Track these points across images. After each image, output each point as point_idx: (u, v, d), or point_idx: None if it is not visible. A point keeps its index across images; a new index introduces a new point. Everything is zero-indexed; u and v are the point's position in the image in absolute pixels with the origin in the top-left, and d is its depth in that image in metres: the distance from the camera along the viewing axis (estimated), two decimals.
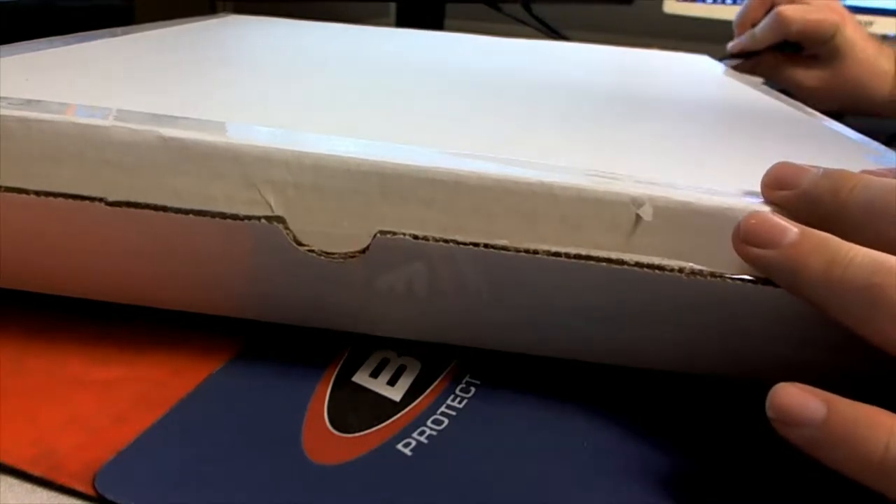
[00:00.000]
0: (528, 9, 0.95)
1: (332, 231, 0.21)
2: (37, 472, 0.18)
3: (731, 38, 0.72)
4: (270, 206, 0.21)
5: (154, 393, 0.21)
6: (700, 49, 0.58)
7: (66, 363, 0.22)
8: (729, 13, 0.94)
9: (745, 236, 0.19)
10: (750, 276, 0.20)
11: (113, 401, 0.20)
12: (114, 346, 0.23)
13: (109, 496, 0.17)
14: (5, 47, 0.32)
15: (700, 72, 0.49)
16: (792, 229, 0.19)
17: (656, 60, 0.52)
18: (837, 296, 0.18)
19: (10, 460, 0.18)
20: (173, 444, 0.19)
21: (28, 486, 0.18)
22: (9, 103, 0.22)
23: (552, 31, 0.94)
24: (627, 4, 1.02)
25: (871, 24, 0.86)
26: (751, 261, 0.19)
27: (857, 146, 0.30)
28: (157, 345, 0.23)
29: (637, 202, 0.20)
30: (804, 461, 0.17)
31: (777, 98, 0.41)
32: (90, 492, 0.17)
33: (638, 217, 0.20)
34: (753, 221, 0.19)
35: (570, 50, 0.55)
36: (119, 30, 0.42)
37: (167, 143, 0.21)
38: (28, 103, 0.22)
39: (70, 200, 0.21)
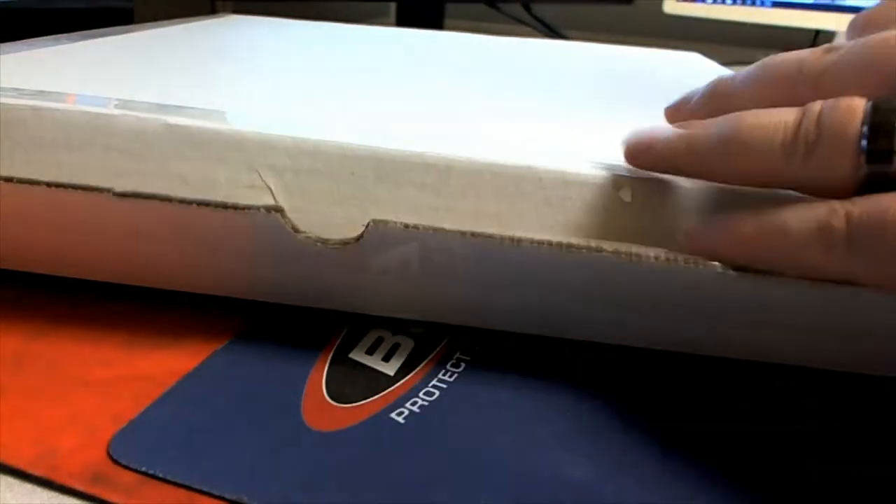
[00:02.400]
0: (528, 9, 0.95)
1: (328, 218, 0.22)
2: (37, 472, 0.18)
3: (729, 37, 0.71)
4: (271, 190, 0.22)
5: (154, 392, 0.21)
6: (700, 49, 0.58)
7: (66, 363, 0.22)
8: (729, 13, 0.94)
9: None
10: (720, 263, 0.21)
11: (113, 401, 0.21)
12: (114, 346, 0.23)
13: (123, 462, 0.18)
14: (7, 45, 0.33)
15: (689, 67, 0.49)
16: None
17: (647, 56, 0.53)
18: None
19: (10, 460, 0.18)
20: (180, 414, 0.20)
21: (28, 486, 0.18)
22: (21, 94, 0.23)
23: (552, 31, 0.95)
24: (627, 4, 1.02)
25: None
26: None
27: None
28: (156, 344, 0.23)
29: (617, 184, 0.22)
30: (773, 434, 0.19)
31: None
32: (90, 491, 0.17)
33: (620, 199, 0.22)
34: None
35: (562, 47, 0.55)
36: (119, 28, 0.42)
37: (172, 130, 0.22)
38: (40, 94, 0.23)
39: (79, 191, 0.22)
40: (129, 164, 0.22)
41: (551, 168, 0.22)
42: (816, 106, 0.18)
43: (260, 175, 0.22)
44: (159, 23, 0.48)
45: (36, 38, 0.35)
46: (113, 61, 0.32)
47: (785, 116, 0.19)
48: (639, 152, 0.22)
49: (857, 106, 0.18)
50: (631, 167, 0.22)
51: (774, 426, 0.22)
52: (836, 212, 0.18)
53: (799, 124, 0.18)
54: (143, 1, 0.60)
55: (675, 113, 0.24)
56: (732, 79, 0.22)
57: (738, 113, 0.20)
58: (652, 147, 0.21)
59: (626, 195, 0.22)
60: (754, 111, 0.19)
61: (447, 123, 0.27)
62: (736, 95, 0.22)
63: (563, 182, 0.22)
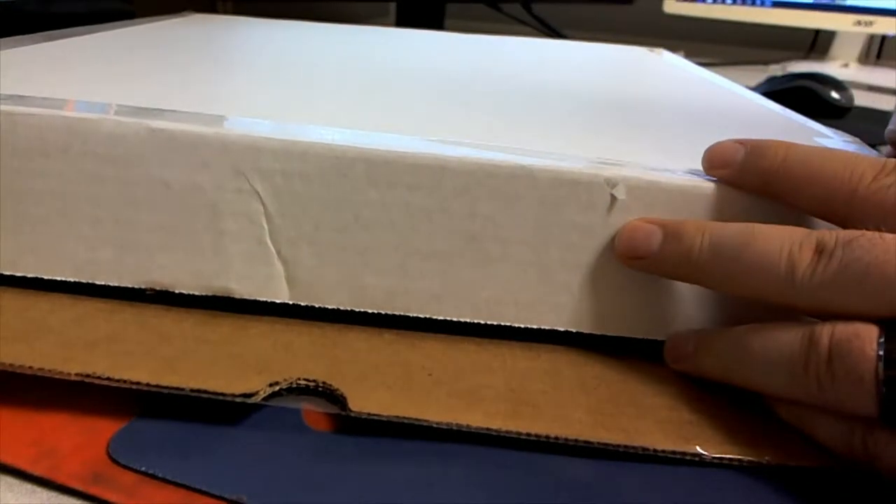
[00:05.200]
0: (528, 9, 0.95)
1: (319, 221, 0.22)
2: (37, 472, 0.18)
3: (729, 37, 0.71)
4: (258, 194, 0.22)
5: (154, 392, 0.21)
6: (700, 49, 0.58)
7: None
8: (729, 13, 0.94)
9: (625, 251, 0.22)
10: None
11: (112, 401, 0.20)
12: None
13: (122, 462, 0.18)
14: None
15: (666, 67, 0.49)
16: (656, 233, 0.21)
17: (640, 56, 0.53)
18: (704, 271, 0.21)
19: (10, 460, 0.18)
20: (179, 414, 0.20)
21: (28, 486, 0.18)
22: None
23: (552, 31, 0.95)
24: (627, 4, 1.02)
25: (871, 23, 0.86)
26: (639, 269, 0.22)
27: (806, 129, 0.32)
28: None
29: (611, 182, 0.22)
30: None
31: (730, 89, 0.42)
32: (90, 491, 0.17)
33: (613, 197, 0.22)
34: (626, 236, 0.22)
35: (559, 47, 0.55)
36: (85, 28, 0.41)
37: (155, 134, 0.22)
38: (12, 98, 0.23)
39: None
40: (108, 170, 0.22)
41: (545, 167, 0.22)
42: (824, 339, 0.18)
43: (247, 179, 0.22)
44: (131, 21, 0.47)
45: (2, 39, 0.34)
46: (82, 63, 0.31)
47: (789, 338, 0.19)
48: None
49: (870, 354, 0.17)
50: (623, 164, 0.22)
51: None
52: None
53: (807, 357, 0.18)
54: (144, 3, 0.60)
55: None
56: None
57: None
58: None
59: (620, 192, 0.22)
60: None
61: (439, 124, 0.26)
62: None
63: (557, 181, 0.22)
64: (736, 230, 0.20)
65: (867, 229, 0.19)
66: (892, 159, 0.20)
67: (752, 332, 0.20)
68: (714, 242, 0.20)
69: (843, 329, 0.18)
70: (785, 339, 0.19)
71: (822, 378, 0.18)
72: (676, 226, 0.21)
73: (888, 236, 0.18)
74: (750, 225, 0.20)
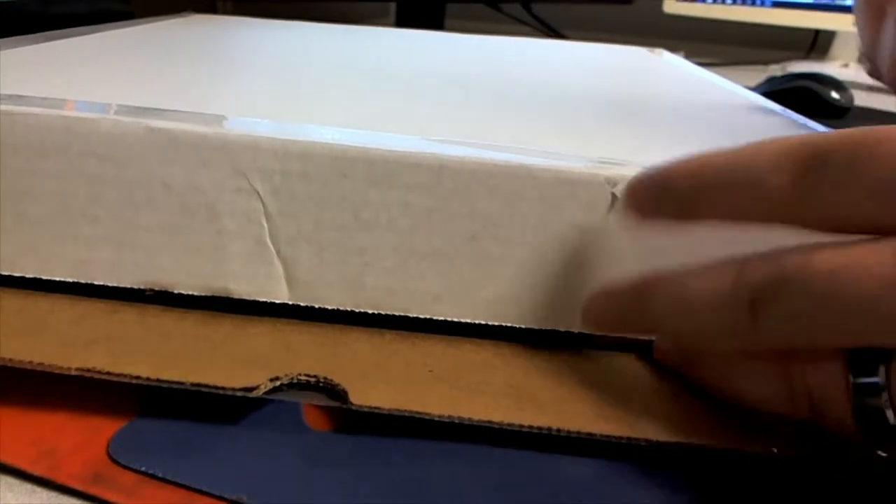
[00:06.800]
0: (528, 9, 0.95)
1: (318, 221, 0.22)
2: (37, 472, 0.18)
3: (729, 37, 0.71)
4: (258, 193, 0.22)
5: (154, 387, 0.21)
6: (700, 49, 0.58)
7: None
8: (729, 13, 0.94)
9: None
10: None
11: (113, 400, 0.21)
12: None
13: (123, 462, 0.18)
14: None
15: (666, 68, 0.49)
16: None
17: (640, 55, 0.53)
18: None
19: (10, 460, 0.18)
20: (180, 414, 0.20)
21: (28, 486, 0.18)
22: None
23: (552, 31, 0.95)
24: (627, 4, 1.02)
25: None
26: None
27: (806, 129, 0.31)
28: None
29: (612, 182, 0.21)
30: None
31: (730, 89, 0.41)
32: (90, 491, 0.17)
33: (613, 196, 0.22)
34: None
35: (558, 46, 0.55)
36: (85, 28, 0.41)
37: (155, 133, 0.22)
38: (11, 97, 0.23)
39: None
40: (108, 170, 0.22)
41: (545, 166, 0.22)
42: (755, 276, 0.17)
43: (247, 179, 0.22)
44: (130, 21, 0.47)
45: (2, 39, 0.34)
46: (81, 63, 0.31)
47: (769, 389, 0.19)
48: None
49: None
50: (624, 163, 0.22)
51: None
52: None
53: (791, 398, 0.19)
54: (143, 4, 0.60)
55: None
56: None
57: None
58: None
59: (621, 192, 0.21)
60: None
61: (439, 123, 0.26)
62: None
63: (558, 180, 0.22)
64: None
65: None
66: None
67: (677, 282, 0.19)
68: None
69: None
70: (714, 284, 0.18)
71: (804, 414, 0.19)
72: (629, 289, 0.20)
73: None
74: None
